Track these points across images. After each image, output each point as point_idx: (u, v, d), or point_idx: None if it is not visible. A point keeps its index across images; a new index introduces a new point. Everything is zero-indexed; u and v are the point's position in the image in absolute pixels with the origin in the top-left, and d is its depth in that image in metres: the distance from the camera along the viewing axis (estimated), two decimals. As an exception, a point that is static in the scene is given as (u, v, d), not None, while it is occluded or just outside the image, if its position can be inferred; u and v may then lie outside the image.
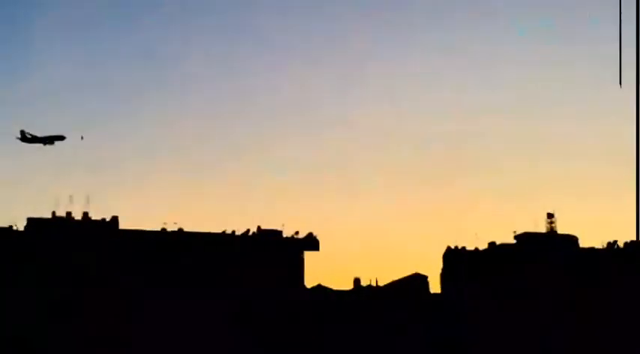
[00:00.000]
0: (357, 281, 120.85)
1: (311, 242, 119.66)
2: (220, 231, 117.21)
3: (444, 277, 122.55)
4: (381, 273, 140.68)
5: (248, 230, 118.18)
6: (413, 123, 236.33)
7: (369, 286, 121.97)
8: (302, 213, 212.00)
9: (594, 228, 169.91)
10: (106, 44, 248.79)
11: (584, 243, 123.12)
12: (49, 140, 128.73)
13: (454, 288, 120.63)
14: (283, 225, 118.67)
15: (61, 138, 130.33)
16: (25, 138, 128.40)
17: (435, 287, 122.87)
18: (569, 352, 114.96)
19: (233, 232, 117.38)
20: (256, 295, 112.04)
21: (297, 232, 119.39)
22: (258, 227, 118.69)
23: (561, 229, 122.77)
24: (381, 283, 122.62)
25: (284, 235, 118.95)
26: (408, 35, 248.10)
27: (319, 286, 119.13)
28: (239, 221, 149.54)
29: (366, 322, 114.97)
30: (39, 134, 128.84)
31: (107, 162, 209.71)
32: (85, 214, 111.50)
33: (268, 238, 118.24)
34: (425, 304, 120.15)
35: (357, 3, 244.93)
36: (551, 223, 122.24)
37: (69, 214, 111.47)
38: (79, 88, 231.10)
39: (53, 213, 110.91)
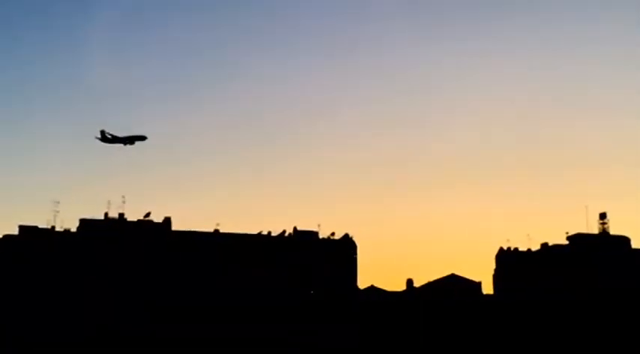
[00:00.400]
0: (409, 282, 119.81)
1: (347, 243, 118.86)
2: (256, 232, 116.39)
3: (497, 278, 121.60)
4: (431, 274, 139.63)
5: (284, 231, 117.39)
6: (459, 126, 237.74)
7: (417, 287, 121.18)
8: (339, 214, 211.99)
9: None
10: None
11: (636, 244, 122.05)
12: (129, 140, 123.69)
13: (506, 289, 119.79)
14: (319, 226, 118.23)
15: (142, 138, 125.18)
16: (105, 138, 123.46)
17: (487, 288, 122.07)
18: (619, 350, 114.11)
19: (269, 233, 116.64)
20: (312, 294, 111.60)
21: (333, 233, 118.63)
22: (294, 228, 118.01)
23: (614, 230, 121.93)
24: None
25: (320, 236, 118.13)
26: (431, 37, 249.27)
27: (372, 286, 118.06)
28: (274, 222, 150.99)
29: (417, 322, 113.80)
30: (118, 134, 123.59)
31: (149, 166, 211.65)
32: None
33: (304, 239, 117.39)
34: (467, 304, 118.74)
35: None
36: (604, 223, 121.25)
37: (121, 215, 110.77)
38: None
39: (105, 214, 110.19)
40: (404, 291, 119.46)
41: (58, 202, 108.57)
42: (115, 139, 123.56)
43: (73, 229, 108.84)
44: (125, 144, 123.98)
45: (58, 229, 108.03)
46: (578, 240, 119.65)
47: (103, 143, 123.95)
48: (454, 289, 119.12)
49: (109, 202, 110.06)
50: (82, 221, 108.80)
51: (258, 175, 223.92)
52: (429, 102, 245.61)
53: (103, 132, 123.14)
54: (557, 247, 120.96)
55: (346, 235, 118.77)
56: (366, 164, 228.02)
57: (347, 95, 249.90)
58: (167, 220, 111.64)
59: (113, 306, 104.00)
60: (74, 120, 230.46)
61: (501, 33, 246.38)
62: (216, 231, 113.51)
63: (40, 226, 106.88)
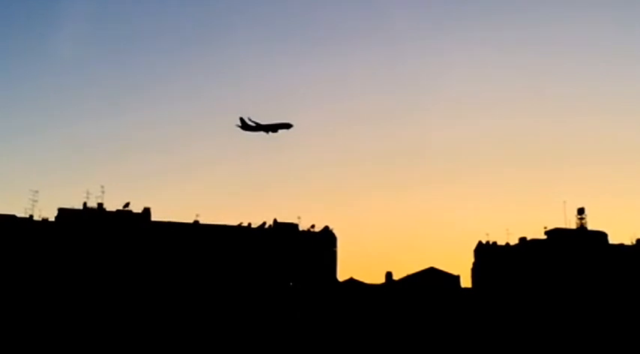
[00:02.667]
0: (389, 275, 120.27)
1: (327, 236, 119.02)
2: (236, 223, 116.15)
3: (475, 271, 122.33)
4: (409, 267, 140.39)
5: (264, 223, 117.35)
6: (438, 121, 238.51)
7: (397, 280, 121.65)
8: (320, 207, 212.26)
9: (624, 225, 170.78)
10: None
11: (613, 239, 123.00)
12: (272, 128, 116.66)
13: (485, 282, 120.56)
14: (299, 218, 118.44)
15: (288, 126, 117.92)
16: (246, 125, 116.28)
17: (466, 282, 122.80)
18: (595, 345, 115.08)
19: (249, 224, 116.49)
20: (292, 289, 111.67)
21: (313, 226, 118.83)
22: (275, 220, 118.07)
23: (591, 225, 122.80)
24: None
25: (300, 229, 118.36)
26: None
27: (351, 279, 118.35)
28: (254, 214, 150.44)
29: (397, 316, 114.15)
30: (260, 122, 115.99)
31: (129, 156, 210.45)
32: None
33: (284, 231, 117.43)
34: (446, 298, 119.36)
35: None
36: (582, 218, 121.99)
37: (100, 205, 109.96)
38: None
39: (84, 204, 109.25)
40: (383, 284, 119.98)
41: (37, 191, 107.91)
42: (258, 127, 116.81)
43: (52, 219, 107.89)
44: (267, 132, 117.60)
45: (36, 218, 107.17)
46: (556, 235, 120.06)
47: (243, 131, 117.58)
48: (433, 282, 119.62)
49: (87, 192, 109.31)
50: (61, 211, 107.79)
51: (238, 167, 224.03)
52: (410, 98, 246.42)
53: (243, 119, 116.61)
54: (536, 242, 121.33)
55: (326, 228, 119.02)
56: (346, 158, 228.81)
57: (328, 89, 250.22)
58: (146, 211, 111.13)
59: (91, 296, 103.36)
60: (53, 110, 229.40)
61: (489, 31, 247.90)
62: (196, 222, 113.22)
63: (17, 215, 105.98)
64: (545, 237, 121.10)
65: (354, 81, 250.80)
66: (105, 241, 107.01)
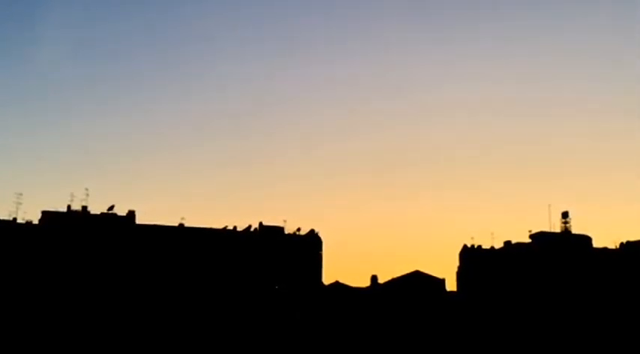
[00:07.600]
0: (374, 278, 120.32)
1: (313, 239, 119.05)
2: (222, 227, 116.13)
3: (460, 275, 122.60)
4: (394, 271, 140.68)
5: (249, 226, 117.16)
6: (424, 126, 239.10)
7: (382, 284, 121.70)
8: (305, 210, 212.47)
9: (607, 229, 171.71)
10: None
11: (597, 243, 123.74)
12: None
13: (470, 286, 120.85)
14: (285, 221, 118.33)
15: None
16: None
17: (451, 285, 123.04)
18: (579, 349, 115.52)
19: (235, 227, 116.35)
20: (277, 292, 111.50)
21: (299, 229, 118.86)
22: (260, 223, 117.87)
23: (576, 229, 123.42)
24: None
25: (285, 232, 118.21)
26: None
27: (337, 282, 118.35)
28: (240, 217, 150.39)
29: (382, 319, 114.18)
30: None
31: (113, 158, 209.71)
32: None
33: (269, 234, 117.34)
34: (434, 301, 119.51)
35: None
36: (566, 222, 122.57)
37: (85, 208, 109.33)
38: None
39: (68, 207, 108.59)
40: (368, 287, 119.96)
41: (21, 194, 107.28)
42: None
43: (35, 222, 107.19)
44: None
45: (19, 221, 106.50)
46: (540, 238, 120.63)
47: None
48: (418, 285, 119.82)
49: (72, 195, 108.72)
50: (45, 213, 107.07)
51: (223, 170, 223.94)
52: (396, 101, 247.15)
53: None
54: (520, 245, 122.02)
55: (312, 231, 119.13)
56: (332, 161, 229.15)
57: (315, 92, 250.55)
58: (131, 214, 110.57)
59: (75, 299, 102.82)
60: (37, 112, 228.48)
61: (478, 34, 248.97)
62: (181, 225, 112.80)
63: (1, 218, 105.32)
64: (529, 240, 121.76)
65: (337, 86, 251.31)
66: (89, 244, 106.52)
